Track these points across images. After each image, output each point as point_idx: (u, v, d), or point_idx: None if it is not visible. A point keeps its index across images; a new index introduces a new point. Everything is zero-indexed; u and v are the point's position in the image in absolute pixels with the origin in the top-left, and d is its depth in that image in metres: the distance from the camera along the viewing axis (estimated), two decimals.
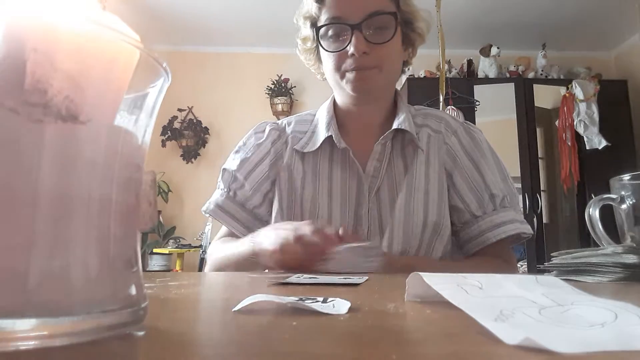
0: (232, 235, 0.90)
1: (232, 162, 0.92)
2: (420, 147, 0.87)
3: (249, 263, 0.74)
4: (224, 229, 0.94)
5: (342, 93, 0.88)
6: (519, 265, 3.33)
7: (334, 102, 0.94)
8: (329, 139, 0.88)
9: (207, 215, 0.91)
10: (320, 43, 0.85)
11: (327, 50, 0.84)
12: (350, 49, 0.79)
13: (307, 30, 0.88)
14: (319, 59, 0.91)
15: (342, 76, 0.84)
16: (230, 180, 0.91)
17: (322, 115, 0.93)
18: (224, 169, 0.93)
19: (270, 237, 0.70)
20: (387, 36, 0.81)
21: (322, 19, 0.84)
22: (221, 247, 0.86)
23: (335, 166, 0.88)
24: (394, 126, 0.86)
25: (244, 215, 0.90)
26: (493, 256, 0.82)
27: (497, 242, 0.81)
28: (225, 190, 0.91)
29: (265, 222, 0.89)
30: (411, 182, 0.84)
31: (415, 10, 0.87)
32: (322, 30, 0.84)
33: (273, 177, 0.90)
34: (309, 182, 0.87)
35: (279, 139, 0.93)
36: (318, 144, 0.88)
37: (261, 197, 0.90)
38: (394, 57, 0.86)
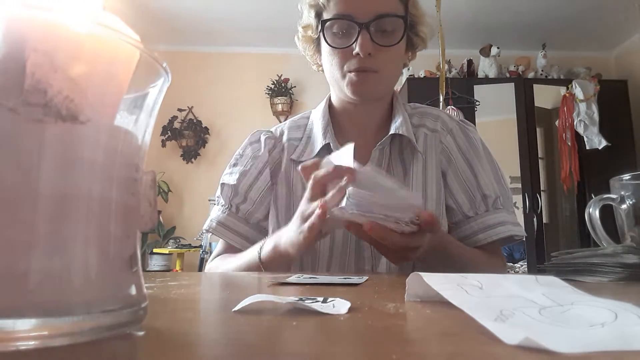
0: (230, 250, 0.87)
1: (230, 176, 0.89)
2: (419, 151, 0.86)
3: (255, 266, 0.72)
4: (220, 245, 0.90)
5: (339, 91, 0.87)
6: (519, 265, 3.34)
7: (329, 103, 0.93)
8: (326, 146, 0.86)
9: (211, 234, 0.88)
10: (324, 36, 0.82)
11: (331, 46, 0.81)
12: (356, 48, 0.78)
13: (310, 19, 0.86)
14: (318, 50, 0.89)
15: (343, 76, 0.82)
16: (230, 195, 0.88)
17: (317, 120, 0.91)
18: (223, 184, 0.90)
19: (290, 229, 0.66)
20: (394, 39, 0.80)
21: (330, 12, 0.81)
22: (223, 264, 0.83)
23: None
24: (391, 131, 0.85)
25: (248, 230, 0.87)
26: None
27: (488, 244, 0.81)
28: (227, 206, 0.88)
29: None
30: (409, 185, 0.84)
31: (422, 15, 0.85)
32: (327, 24, 0.81)
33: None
34: None
35: (275, 148, 0.91)
36: (315, 152, 0.86)
37: (265, 209, 0.87)
38: (397, 61, 0.85)
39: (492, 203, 0.83)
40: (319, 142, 0.87)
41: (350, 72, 0.81)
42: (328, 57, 0.83)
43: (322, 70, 0.91)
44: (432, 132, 0.89)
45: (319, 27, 0.83)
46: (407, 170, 0.86)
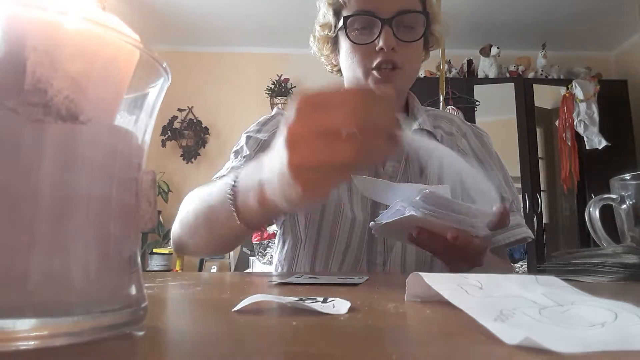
0: None
1: (258, 132, 0.85)
2: None
3: (225, 212, 0.51)
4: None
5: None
6: (519, 265, 3.35)
7: None
8: None
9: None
10: (346, 33, 0.81)
11: (353, 42, 0.81)
12: (380, 43, 0.77)
13: (328, 17, 0.85)
14: (334, 49, 0.88)
15: (366, 74, 0.81)
16: (257, 147, 0.82)
17: None
18: (249, 136, 0.84)
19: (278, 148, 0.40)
20: (415, 35, 0.80)
21: (350, 9, 0.81)
22: (197, 193, 0.65)
23: None
24: (415, 126, 0.86)
25: None
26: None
27: (502, 245, 0.82)
28: (252, 157, 0.79)
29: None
30: (425, 183, 0.85)
31: (438, 13, 0.86)
32: (349, 21, 0.81)
33: None
34: None
35: None
36: None
37: None
38: (418, 57, 0.85)
39: (509, 206, 0.85)
40: None
41: (373, 69, 0.80)
42: (349, 55, 0.83)
43: (337, 71, 0.91)
44: (448, 135, 0.90)
45: (339, 25, 0.83)
46: (423, 168, 0.86)
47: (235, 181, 0.50)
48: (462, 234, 0.53)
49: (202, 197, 0.60)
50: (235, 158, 0.85)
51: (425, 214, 0.52)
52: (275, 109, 0.94)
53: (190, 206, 0.65)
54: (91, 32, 0.20)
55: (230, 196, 0.50)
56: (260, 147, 0.83)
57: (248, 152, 0.83)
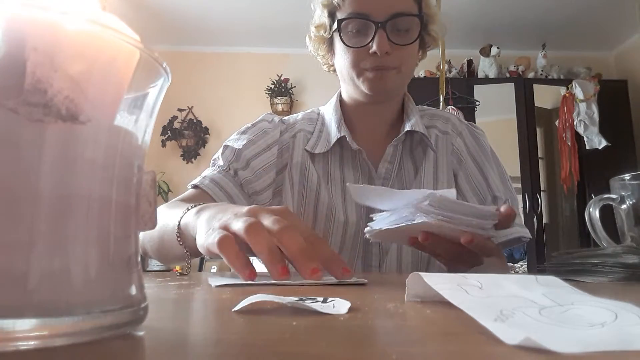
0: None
1: (236, 142, 0.87)
2: (433, 149, 0.86)
3: (173, 243, 0.62)
4: (188, 194, 0.82)
5: (354, 90, 0.86)
6: (519, 265, 3.35)
7: (340, 99, 0.92)
8: (340, 139, 0.86)
9: (202, 190, 0.81)
10: (340, 36, 0.82)
11: (347, 45, 0.81)
12: (373, 47, 0.78)
13: (323, 18, 0.85)
14: (330, 50, 0.88)
15: (360, 74, 0.81)
16: (232, 158, 0.84)
17: (329, 114, 0.91)
18: (226, 146, 0.87)
19: (207, 227, 0.53)
20: (410, 38, 0.80)
21: (345, 11, 0.81)
22: (161, 214, 0.66)
23: (347, 168, 0.86)
24: (407, 128, 0.86)
25: (240, 197, 0.82)
26: None
27: (497, 245, 0.82)
28: (225, 168, 0.84)
29: None
30: (420, 184, 0.84)
31: (435, 14, 0.86)
32: (343, 23, 0.81)
33: (279, 167, 0.86)
34: (323, 186, 0.85)
35: (287, 132, 0.90)
36: (330, 145, 0.86)
37: (264, 184, 0.84)
38: (412, 59, 0.85)
39: (502, 205, 0.85)
40: (333, 134, 0.87)
41: (366, 70, 0.80)
42: (342, 56, 0.83)
43: (333, 71, 0.91)
44: (443, 134, 0.90)
45: (334, 27, 0.83)
46: (418, 168, 0.86)
47: (180, 222, 0.61)
48: (477, 237, 0.54)
49: (160, 224, 0.68)
50: (212, 167, 0.88)
51: (437, 219, 0.53)
52: (262, 114, 0.95)
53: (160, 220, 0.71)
54: (91, 33, 0.20)
55: (178, 237, 0.61)
56: (235, 156, 0.85)
57: (222, 163, 0.85)
